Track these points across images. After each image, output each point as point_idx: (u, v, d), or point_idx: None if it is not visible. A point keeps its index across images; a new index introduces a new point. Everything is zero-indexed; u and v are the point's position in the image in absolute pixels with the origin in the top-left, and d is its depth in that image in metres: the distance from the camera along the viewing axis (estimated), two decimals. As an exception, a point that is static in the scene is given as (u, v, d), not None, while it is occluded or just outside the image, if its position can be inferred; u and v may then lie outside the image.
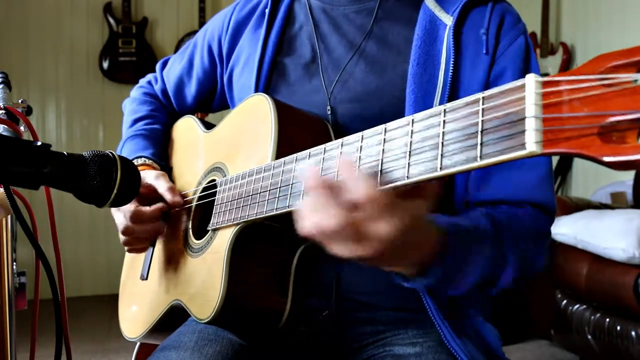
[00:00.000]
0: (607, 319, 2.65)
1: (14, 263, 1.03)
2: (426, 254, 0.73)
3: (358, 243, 0.65)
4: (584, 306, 2.79)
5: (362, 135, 0.70)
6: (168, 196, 1.09)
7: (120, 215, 1.09)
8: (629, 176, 3.29)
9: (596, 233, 2.68)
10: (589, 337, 2.73)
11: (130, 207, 1.06)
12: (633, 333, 2.52)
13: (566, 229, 2.83)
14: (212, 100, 1.28)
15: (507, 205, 0.95)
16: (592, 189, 3.74)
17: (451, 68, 0.94)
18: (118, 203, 0.84)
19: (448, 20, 0.97)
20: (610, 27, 3.78)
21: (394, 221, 0.63)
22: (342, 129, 0.99)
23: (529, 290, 3.18)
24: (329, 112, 1.01)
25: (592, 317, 2.72)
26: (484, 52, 0.96)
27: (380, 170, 0.65)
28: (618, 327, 2.59)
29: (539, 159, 0.94)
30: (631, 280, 2.50)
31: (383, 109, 0.98)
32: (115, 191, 0.81)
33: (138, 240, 1.12)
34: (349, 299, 0.99)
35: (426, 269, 0.75)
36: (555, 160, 4.09)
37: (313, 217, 0.65)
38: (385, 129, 0.67)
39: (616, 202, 3.26)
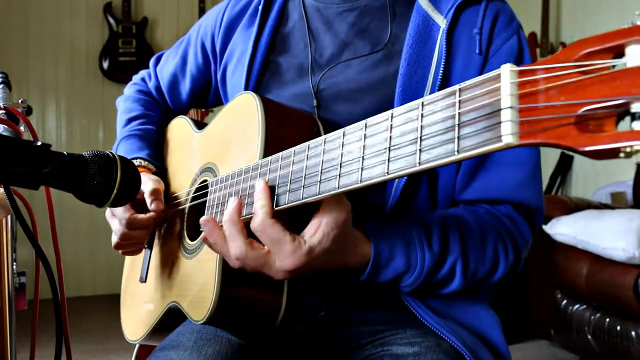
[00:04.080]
0: (607, 319, 2.65)
1: (14, 263, 1.03)
2: (354, 258, 0.84)
3: (268, 269, 0.80)
4: (584, 306, 2.79)
5: (344, 132, 0.70)
6: (148, 201, 1.09)
7: (116, 222, 1.09)
8: (629, 176, 3.29)
9: (596, 233, 2.68)
10: (589, 337, 2.73)
11: (125, 214, 1.06)
12: (633, 333, 2.52)
13: (566, 229, 2.83)
14: (207, 96, 1.28)
15: (488, 204, 0.96)
16: (592, 189, 3.74)
17: (441, 70, 0.94)
18: (118, 203, 0.84)
19: (442, 22, 0.96)
20: (610, 27, 3.76)
21: (287, 252, 0.76)
22: (334, 128, 0.98)
23: (529, 290, 3.18)
24: (317, 111, 1.01)
25: (592, 317, 2.72)
26: (477, 52, 0.96)
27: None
28: (618, 327, 2.59)
29: (523, 157, 0.96)
30: (631, 280, 2.50)
31: (374, 108, 0.97)
32: (115, 191, 0.81)
33: (131, 245, 1.12)
34: (346, 298, 0.99)
35: (361, 270, 0.86)
36: (555, 160, 4.09)
37: (226, 248, 0.81)
38: (366, 124, 0.67)
39: (616, 202, 3.26)
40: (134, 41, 4.32)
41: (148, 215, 1.08)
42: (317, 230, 0.77)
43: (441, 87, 0.94)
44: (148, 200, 1.09)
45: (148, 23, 4.42)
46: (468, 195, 0.97)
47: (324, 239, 0.77)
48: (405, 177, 0.93)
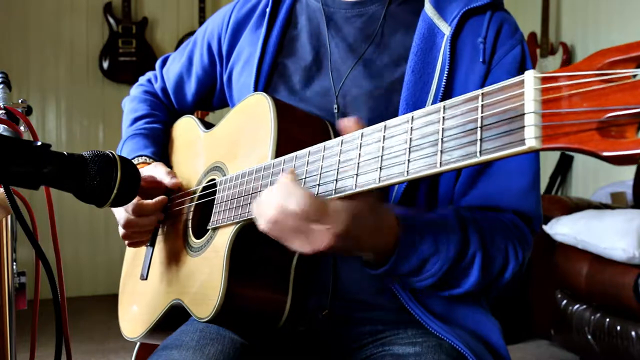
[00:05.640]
0: (607, 319, 2.65)
1: (14, 263, 1.03)
2: (382, 240, 0.80)
3: (305, 237, 0.72)
4: (584, 306, 2.79)
5: (362, 133, 0.70)
6: (167, 179, 1.12)
7: (121, 210, 1.09)
8: (629, 176, 3.29)
9: (596, 233, 2.68)
10: (589, 337, 2.73)
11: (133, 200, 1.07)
12: (633, 333, 2.52)
13: (566, 229, 2.83)
14: (212, 98, 1.29)
15: (488, 211, 0.96)
16: (592, 189, 3.73)
17: (445, 77, 0.94)
18: (118, 203, 0.84)
19: (446, 29, 0.97)
20: (610, 27, 3.78)
21: (334, 220, 0.71)
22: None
23: (529, 290, 3.18)
24: (331, 112, 1.02)
25: (592, 317, 2.72)
26: (481, 60, 0.96)
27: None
28: (618, 327, 2.59)
29: (524, 166, 0.96)
30: (631, 280, 2.50)
31: (379, 114, 0.98)
32: (115, 191, 0.81)
33: (139, 234, 1.13)
34: (348, 298, 0.99)
35: (387, 256, 0.82)
36: (555, 160, 4.09)
37: (263, 212, 0.74)
38: (385, 126, 0.68)
39: (616, 202, 3.26)
40: (134, 41, 4.32)
41: (155, 200, 1.10)
42: (355, 196, 0.72)
43: (444, 95, 0.94)
44: (166, 179, 1.12)
45: (148, 23, 4.42)
46: (467, 202, 0.97)
47: (363, 201, 0.73)
48: (405, 184, 0.93)
